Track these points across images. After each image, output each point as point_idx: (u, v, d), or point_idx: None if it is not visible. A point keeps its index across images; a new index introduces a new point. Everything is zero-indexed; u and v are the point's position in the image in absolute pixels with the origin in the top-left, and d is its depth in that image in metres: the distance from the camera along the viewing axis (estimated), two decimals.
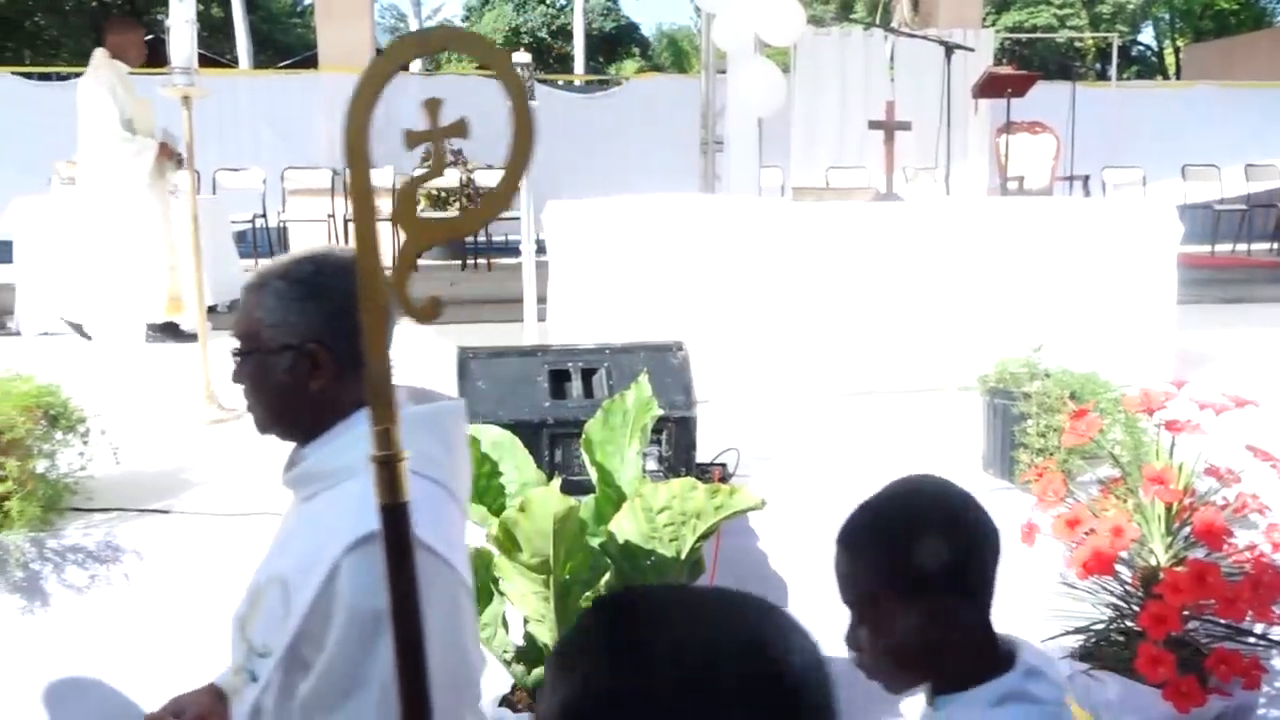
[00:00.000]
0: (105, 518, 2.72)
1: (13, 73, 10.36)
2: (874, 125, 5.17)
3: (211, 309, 4.71)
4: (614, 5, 31.89)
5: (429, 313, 0.93)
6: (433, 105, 0.98)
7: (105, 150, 5.33)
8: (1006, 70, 7.90)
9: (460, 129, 0.98)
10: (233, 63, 18.47)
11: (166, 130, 5.43)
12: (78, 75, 5.87)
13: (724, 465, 3.02)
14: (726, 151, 6.59)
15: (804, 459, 3.26)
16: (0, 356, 3.05)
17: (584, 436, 2.50)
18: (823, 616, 2.82)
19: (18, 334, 5.80)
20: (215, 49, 18.95)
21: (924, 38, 6.96)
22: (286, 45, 24.34)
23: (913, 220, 4.34)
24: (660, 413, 2.54)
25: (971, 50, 6.91)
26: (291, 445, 1.46)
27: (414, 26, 23.13)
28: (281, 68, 17.19)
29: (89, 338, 5.55)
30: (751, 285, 4.07)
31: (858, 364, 4.14)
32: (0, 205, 6.03)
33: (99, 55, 5.42)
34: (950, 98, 6.24)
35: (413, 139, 1.00)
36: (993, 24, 22.31)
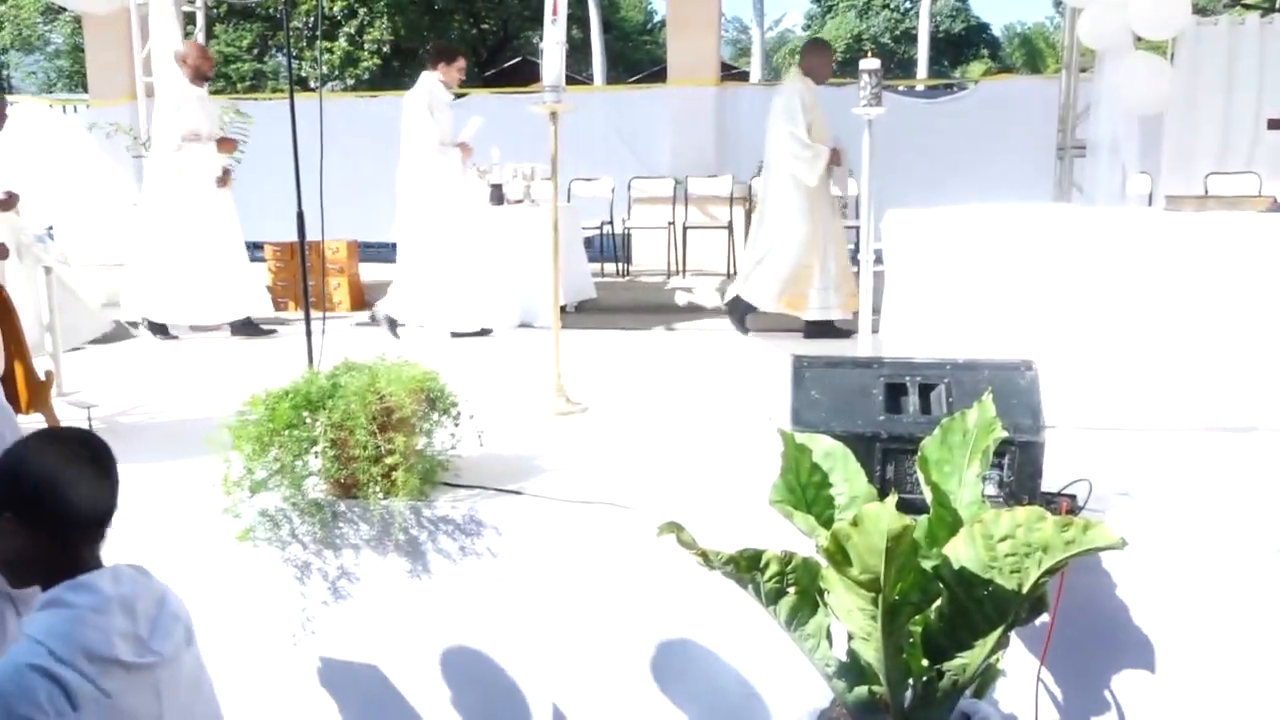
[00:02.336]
0: (469, 494, 3.03)
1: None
2: (1275, 125, 4.54)
3: (563, 309, 5.07)
4: (963, 5, 30.58)
5: None
6: None
7: (786, 157, 6.09)
8: None
9: None
10: (589, 79, 19.85)
11: (838, 138, 6.08)
12: (460, 96, 6.59)
13: (1073, 497, 2.79)
14: (1089, 156, 6.09)
15: (1168, 498, 2.94)
16: (384, 347, 3.47)
17: (920, 454, 2.42)
18: (1196, 676, 2.54)
19: (403, 325, 6.60)
20: (573, 67, 20.45)
21: None
22: (636, 61, 25.77)
23: None
24: (1004, 435, 2.41)
25: None
26: None
27: (756, 38, 23.60)
28: (631, 82, 18.22)
29: None
30: (1114, 303, 3.73)
31: (1237, 397, 3.66)
32: (394, 212, 6.86)
33: (793, 73, 6.26)
34: None
35: None
36: None
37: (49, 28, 23.49)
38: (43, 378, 3.92)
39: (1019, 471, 2.68)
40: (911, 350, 3.67)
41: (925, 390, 2.80)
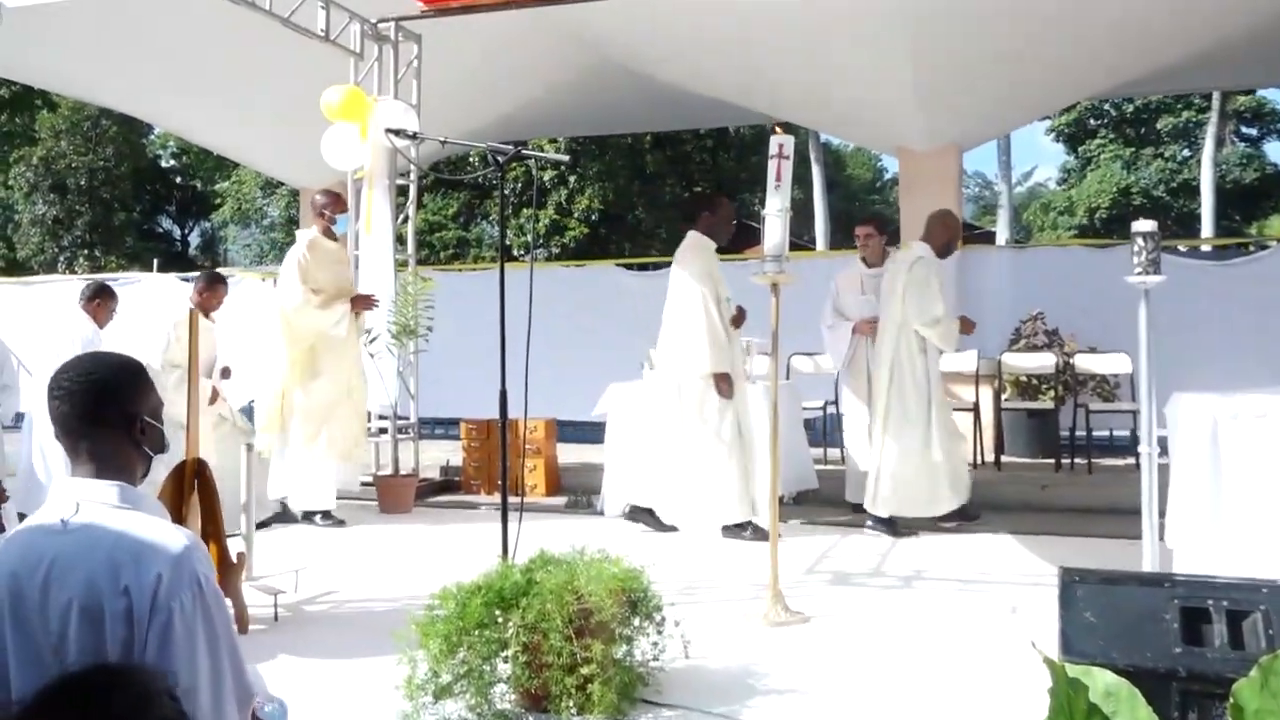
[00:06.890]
0: (672, 714, 2.97)
1: (615, 264, 12.49)
2: None
3: (780, 500, 5.01)
4: (1257, 152, 29.47)
5: None
6: None
7: None
8: None
9: None
10: (810, 243, 20.33)
11: None
12: (668, 264, 6.84)
13: None
14: None
15: None
16: (588, 536, 3.55)
17: (1231, 701, 2.19)
18: None
19: (601, 514, 6.73)
20: (794, 229, 21.00)
21: None
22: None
23: None
24: None
25: None
26: None
27: (1003, 192, 23.60)
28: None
29: None
30: None
31: None
32: (598, 388, 7.13)
33: None
34: None
35: None
36: None
37: (267, 201, 26.77)
38: (234, 560, 4.24)
39: None
40: (1212, 565, 3.40)
41: (1235, 618, 2.57)
